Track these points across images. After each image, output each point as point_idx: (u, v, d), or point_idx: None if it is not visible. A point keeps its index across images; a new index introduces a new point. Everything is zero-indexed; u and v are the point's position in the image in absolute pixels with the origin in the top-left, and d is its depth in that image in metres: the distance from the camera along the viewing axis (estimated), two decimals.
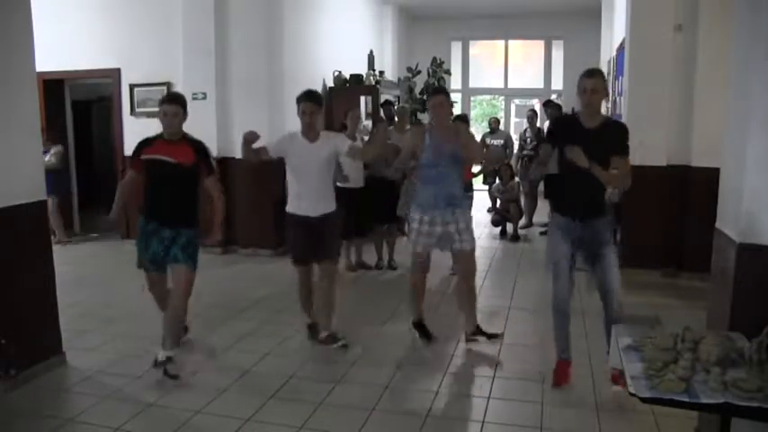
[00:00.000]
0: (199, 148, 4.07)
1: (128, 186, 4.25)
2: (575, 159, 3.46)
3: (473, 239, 4.49)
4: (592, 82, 3.55)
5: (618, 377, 3.50)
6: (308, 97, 4.25)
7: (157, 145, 4.02)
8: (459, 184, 4.38)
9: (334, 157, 4.39)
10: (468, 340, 4.48)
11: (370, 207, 6.39)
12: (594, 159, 3.48)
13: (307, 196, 4.27)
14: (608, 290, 3.61)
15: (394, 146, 6.45)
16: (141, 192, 4.13)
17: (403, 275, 6.42)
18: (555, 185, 3.92)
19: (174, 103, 3.99)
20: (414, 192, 4.86)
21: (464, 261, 4.50)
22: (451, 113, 4.82)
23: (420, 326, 4.59)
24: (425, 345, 4.49)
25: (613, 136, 3.57)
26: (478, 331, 4.49)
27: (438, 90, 4.53)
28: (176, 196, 4.06)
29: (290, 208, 4.34)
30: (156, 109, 7.44)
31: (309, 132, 4.25)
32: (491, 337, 4.48)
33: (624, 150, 3.55)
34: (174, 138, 4.00)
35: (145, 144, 4.07)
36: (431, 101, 4.37)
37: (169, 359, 3.90)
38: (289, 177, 4.35)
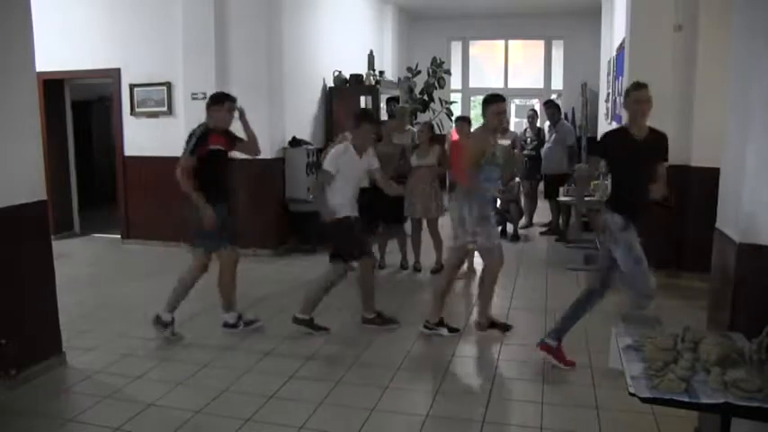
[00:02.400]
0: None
1: None
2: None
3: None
4: (645, 93, 3.83)
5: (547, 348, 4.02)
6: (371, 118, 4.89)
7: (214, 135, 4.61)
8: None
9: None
10: (479, 329, 4.73)
11: (376, 208, 6.39)
12: (647, 168, 3.90)
13: (351, 201, 4.71)
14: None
15: (400, 145, 6.50)
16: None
17: (410, 276, 6.45)
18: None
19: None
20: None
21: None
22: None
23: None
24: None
25: (658, 144, 3.92)
26: (492, 324, 4.70)
27: (500, 97, 4.63)
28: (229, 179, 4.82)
29: (345, 212, 4.63)
30: (157, 109, 7.57)
31: (362, 149, 4.71)
32: (503, 328, 4.70)
33: (666, 157, 3.98)
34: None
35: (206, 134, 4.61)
36: (494, 107, 4.48)
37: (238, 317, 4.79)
38: (336, 185, 4.62)
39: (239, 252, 4.84)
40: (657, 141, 3.92)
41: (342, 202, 4.64)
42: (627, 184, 3.93)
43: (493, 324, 4.71)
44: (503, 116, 4.53)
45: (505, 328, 4.72)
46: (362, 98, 8.95)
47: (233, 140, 4.74)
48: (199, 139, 4.45)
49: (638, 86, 3.86)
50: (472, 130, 6.03)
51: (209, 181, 4.47)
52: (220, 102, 4.60)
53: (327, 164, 4.64)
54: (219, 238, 4.57)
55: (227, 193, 4.72)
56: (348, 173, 4.64)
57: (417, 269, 6.57)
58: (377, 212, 6.46)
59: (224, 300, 4.79)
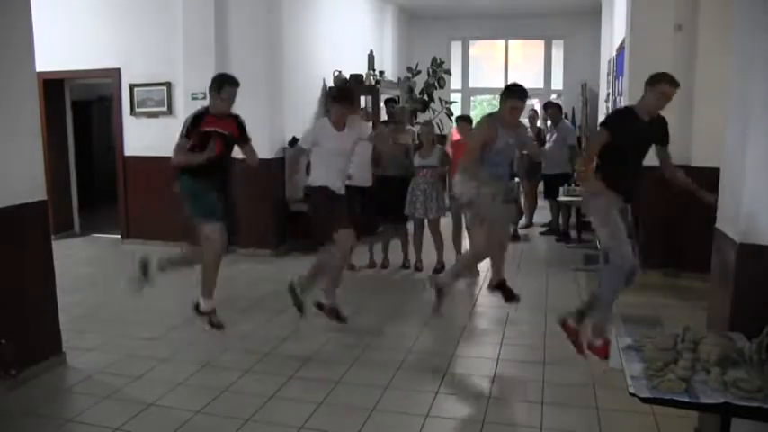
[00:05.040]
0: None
1: None
2: None
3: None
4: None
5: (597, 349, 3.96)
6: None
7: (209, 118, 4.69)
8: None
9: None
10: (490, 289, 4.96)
11: (379, 206, 6.40)
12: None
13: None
14: None
15: (405, 145, 6.52)
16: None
17: (411, 275, 6.46)
18: None
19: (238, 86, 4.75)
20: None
21: None
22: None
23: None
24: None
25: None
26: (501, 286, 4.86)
27: (523, 93, 4.59)
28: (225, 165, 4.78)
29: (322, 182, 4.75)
30: (157, 109, 7.57)
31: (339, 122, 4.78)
32: (509, 298, 4.84)
33: None
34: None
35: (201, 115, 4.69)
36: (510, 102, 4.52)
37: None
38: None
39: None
40: None
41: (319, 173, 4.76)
42: None
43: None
44: (516, 113, 4.49)
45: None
46: (362, 98, 8.95)
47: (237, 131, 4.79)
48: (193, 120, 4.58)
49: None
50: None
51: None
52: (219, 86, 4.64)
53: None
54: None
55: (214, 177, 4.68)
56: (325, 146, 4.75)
57: (418, 268, 6.57)
58: (378, 211, 6.46)
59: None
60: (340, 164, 4.77)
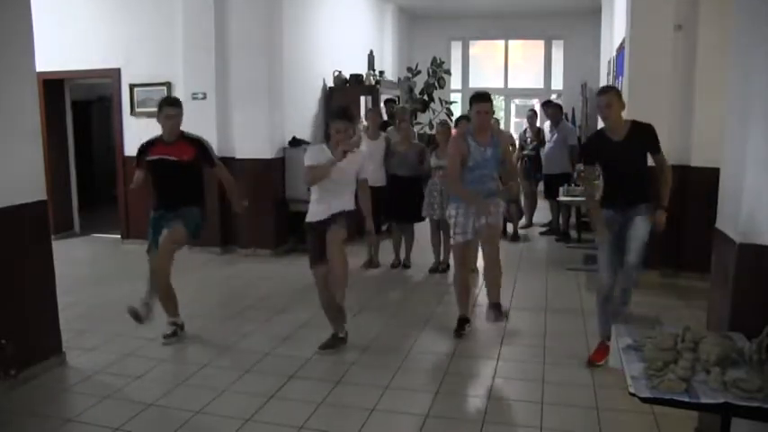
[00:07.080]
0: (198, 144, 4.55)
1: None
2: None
3: None
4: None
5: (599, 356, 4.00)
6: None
7: (158, 145, 4.50)
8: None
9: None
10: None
11: (386, 206, 6.39)
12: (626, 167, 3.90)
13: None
14: (624, 261, 3.94)
15: (420, 146, 6.53)
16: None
17: (412, 275, 6.46)
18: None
19: (175, 106, 4.47)
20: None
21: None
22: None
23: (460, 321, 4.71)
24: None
25: (642, 139, 3.87)
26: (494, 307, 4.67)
27: (484, 96, 4.54)
28: (178, 187, 4.49)
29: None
30: (156, 109, 7.55)
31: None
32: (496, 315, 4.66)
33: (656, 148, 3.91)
34: (173, 138, 4.47)
35: (148, 145, 4.55)
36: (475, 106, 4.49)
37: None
38: None
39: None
40: (638, 138, 3.98)
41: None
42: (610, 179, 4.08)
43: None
44: (482, 116, 4.43)
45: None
46: (362, 98, 8.96)
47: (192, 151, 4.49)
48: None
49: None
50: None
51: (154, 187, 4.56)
52: (158, 108, 4.47)
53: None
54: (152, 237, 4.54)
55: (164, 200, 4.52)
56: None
57: (443, 269, 6.48)
58: (385, 211, 6.45)
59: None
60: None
